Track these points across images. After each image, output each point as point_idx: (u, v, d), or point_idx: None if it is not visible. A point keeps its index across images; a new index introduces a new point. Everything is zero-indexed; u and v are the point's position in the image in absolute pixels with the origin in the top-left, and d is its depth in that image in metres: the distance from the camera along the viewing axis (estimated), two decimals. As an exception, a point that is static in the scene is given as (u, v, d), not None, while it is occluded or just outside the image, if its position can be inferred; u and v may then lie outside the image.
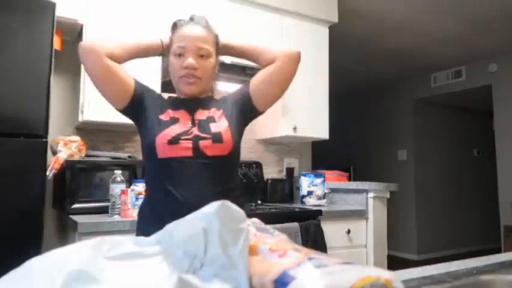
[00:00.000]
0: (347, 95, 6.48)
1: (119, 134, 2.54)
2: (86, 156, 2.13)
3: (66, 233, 2.00)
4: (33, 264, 0.50)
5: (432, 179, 5.87)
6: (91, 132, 2.42)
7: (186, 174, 1.17)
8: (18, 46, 1.67)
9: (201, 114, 1.28)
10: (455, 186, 6.12)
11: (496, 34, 4.10)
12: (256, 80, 1.35)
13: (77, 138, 2.12)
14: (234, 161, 1.33)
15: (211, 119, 1.27)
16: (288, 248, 0.50)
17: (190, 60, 1.23)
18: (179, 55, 1.25)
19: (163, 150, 1.19)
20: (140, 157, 2.52)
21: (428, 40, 4.26)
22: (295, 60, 1.33)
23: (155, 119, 1.26)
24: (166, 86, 2.43)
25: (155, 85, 2.33)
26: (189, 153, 1.19)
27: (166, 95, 1.41)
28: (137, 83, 1.32)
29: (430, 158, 5.88)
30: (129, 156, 2.29)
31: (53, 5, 1.76)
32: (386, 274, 0.40)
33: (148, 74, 2.31)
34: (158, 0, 2.38)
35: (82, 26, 2.22)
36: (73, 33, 2.32)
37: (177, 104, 1.30)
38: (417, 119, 5.82)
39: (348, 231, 2.49)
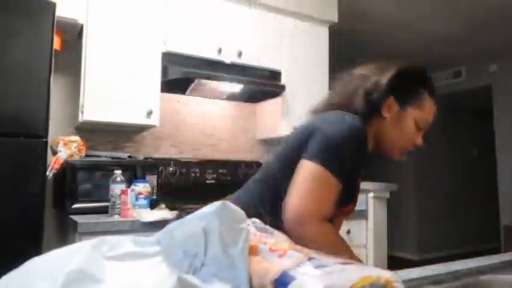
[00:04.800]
0: (347, 95, 6.47)
1: (119, 134, 2.54)
2: (86, 156, 2.13)
3: (66, 233, 2.00)
4: (34, 264, 0.50)
5: (432, 179, 5.87)
6: (91, 132, 2.42)
7: None
8: (18, 46, 1.67)
9: None
10: (455, 186, 6.12)
11: (496, 34, 4.10)
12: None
13: (77, 138, 2.12)
14: None
15: None
16: (288, 248, 0.50)
17: (421, 142, 1.10)
18: (418, 129, 1.08)
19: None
20: (140, 157, 2.53)
21: (428, 40, 4.26)
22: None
23: (354, 183, 1.08)
24: (166, 85, 2.43)
25: (155, 85, 2.33)
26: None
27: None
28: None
29: (430, 158, 5.88)
30: (129, 156, 2.29)
31: (53, 5, 1.76)
32: (386, 274, 0.40)
33: (148, 74, 2.32)
34: (159, 1, 2.38)
35: (82, 26, 2.22)
36: (73, 33, 2.32)
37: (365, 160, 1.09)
38: (417, 119, 5.81)
39: (348, 231, 2.49)
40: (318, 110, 1.14)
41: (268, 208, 1.01)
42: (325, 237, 0.95)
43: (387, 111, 1.06)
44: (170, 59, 2.38)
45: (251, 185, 1.13)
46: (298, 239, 0.80)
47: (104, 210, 1.94)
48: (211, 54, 2.50)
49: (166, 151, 2.70)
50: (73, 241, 1.78)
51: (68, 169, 1.97)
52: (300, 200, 0.93)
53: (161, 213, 1.92)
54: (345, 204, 1.04)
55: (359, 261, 1.01)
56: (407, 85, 1.08)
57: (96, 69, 2.17)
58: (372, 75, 1.08)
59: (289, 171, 0.99)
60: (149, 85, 2.32)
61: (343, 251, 0.96)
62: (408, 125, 1.06)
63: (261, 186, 1.09)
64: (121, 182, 1.90)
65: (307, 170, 0.96)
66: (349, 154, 0.98)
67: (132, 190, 1.95)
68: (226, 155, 2.93)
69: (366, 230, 2.59)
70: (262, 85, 2.66)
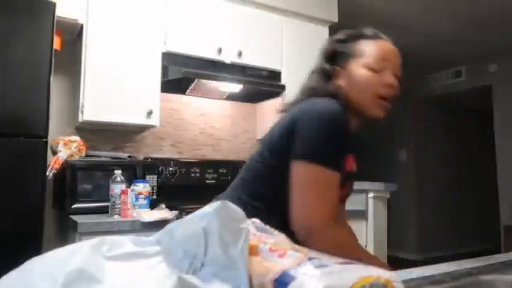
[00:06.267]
0: (346, 95, 6.47)
1: (119, 134, 2.54)
2: (86, 156, 2.13)
3: (66, 233, 2.00)
4: (34, 264, 0.50)
5: (432, 178, 5.87)
6: (91, 132, 2.42)
7: None
8: (18, 46, 1.67)
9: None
10: (454, 186, 6.12)
11: (495, 34, 4.10)
12: None
13: (77, 138, 2.12)
14: None
15: None
16: (288, 248, 0.50)
17: (393, 79, 1.03)
18: (375, 71, 1.03)
19: None
20: (140, 157, 2.53)
21: (428, 40, 4.26)
22: None
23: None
24: (166, 85, 2.43)
25: (155, 85, 2.33)
26: None
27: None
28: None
29: (430, 158, 5.88)
30: (129, 156, 2.29)
31: (53, 5, 1.76)
32: (386, 274, 0.40)
33: (148, 74, 2.32)
34: (159, 1, 2.38)
35: (82, 26, 2.22)
36: (73, 33, 2.32)
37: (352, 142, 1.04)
38: (417, 119, 5.81)
39: (348, 231, 2.49)
40: (295, 101, 1.15)
41: (249, 192, 1.01)
42: (340, 240, 0.91)
43: (339, 79, 1.06)
44: (170, 59, 2.38)
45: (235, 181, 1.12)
46: (314, 247, 0.73)
47: (104, 210, 1.94)
48: (211, 54, 2.50)
49: (166, 151, 2.70)
50: (73, 241, 1.78)
51: (68, 169, 1.97)
52: (305, 211, 0.87)
53: (161, 213, 1.92)
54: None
55: (377, 258, 1.01)
56: (339, 50, 1.08)
57: (96, 69, 2.17)
58: (320, 56, 1.13)
59: (276, 159, 0.98)
60: (149, 85, 2.32)
61: (358, 250, 0.97)
62: (358, 74, 1.03)
63: (244, 176, 1.08)
64: (121, 182, 1.90)
65: (301, 173, 0.90)
66: (336, 139, 0.92)
67: (132, 190, 1.95)
68: (226, 155, 2.93)
69: (366, 230, 2.59)
70: (262, 85, 2.66)
